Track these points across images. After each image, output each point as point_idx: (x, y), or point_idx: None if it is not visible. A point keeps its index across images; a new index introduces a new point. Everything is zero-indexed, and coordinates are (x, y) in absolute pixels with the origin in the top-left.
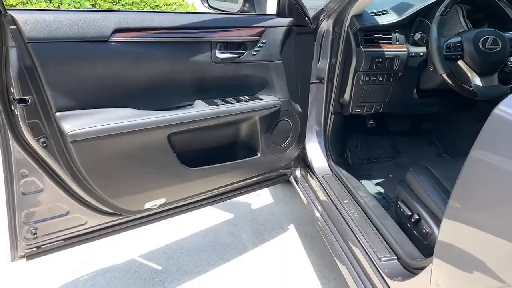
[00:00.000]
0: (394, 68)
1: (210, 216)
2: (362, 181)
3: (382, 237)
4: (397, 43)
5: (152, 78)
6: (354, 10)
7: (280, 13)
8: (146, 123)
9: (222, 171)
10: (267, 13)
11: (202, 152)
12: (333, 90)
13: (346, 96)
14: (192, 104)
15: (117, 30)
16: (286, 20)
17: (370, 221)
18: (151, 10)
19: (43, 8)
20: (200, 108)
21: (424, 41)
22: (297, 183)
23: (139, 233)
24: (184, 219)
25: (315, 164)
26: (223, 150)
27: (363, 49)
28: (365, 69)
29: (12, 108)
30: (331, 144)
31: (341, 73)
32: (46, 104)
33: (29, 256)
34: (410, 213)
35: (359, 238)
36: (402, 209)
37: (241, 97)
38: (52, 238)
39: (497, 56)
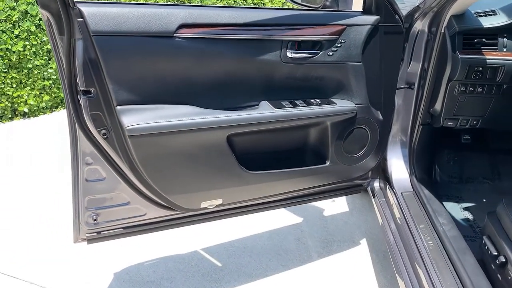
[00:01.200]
0: (498, 79)
1: (278, 218)
2: (448, 203)
3: (457, 275)
4: (504, 50)
5: (216, 76)
6: (454, 9)
7: (366, 10)
8: (205, 123)
9: (284, 178)
10: (352, 9)
11: (264, 155)
12: (423, 98)
13: (437, 106)
14: (258, 105)
15: (183, 26)
16: (372, 18)
17: (446, 253)
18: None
19: (109, 1)
20: (264, 110)
21: None
22: (374, 196)
23: (205, 226)
24: (250, 218)
25: (395, 178)
26: (287, 156)
27: (460, 55)
28: (461, 78)
29: (79, 98)
30: (416, 157)
31: (433, 80)
32: (108, 97)
33: (89, 240)
34: (495, 253)
35: (429, 272)
36: (487, 246)
37: (311, 100)
38: (112, 225)
39: None
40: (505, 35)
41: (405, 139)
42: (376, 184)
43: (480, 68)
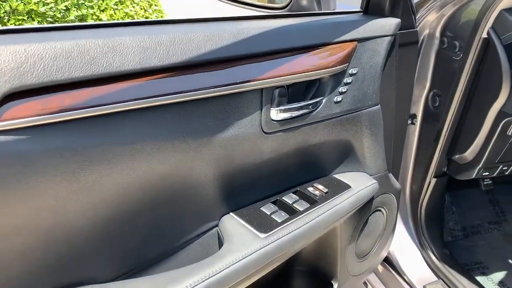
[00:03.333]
0: None
1: None
2: (477, 278)
3: None
4: None
5: (129, 198)
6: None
7: (371, 9)
8: None
9: None
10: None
11: None
12: (440, 138)
13: (470, 152)
14: (216, 225)
15: (11, 96)
16: (392, 23)
17: None
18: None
19: None
20: (237, 248)
21: None
22: (365, 284)
23: None
24: None
25: (402, 260)
26: None
27: None
28: None
29: None
30: (427, 224)
31: (459, 112)
32: None
33: None
34: None
35: None
36: None
37: (310, 190)
38: None
39: None
40: None
41: (405, 198)
42: None
43: None
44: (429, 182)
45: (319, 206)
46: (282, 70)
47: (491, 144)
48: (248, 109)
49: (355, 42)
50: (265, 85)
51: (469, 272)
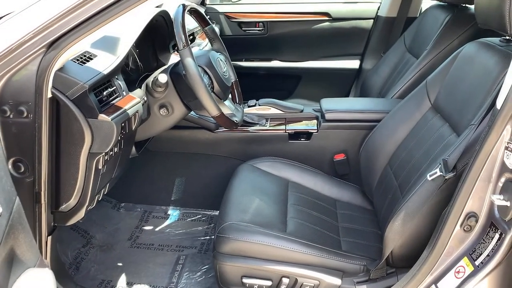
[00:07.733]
0: (133, 128)
1: None
2: None
3: None
4: (125, 93)
5: None
6: (64, 58)
7: None
8: None
9: None
10: None
11: None
12: (42, 199)
13: (74, 198)
14: None
15: None
16: None
17: None
18: None
19: None
20: None
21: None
22: None
23: None
24: None
25: None
26: None
27: (110, 117)
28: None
29: None
30: None
31: (51, 168)
32: None
33: None
34: None
35: None
36: None
37: None
38: None
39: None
40: (116, 76)
41: None
42: None
43: (123, 124)
44: (46, 242)
45: None
46: None
47: (91, 183)
48: None
49: None
50: None
51: None
